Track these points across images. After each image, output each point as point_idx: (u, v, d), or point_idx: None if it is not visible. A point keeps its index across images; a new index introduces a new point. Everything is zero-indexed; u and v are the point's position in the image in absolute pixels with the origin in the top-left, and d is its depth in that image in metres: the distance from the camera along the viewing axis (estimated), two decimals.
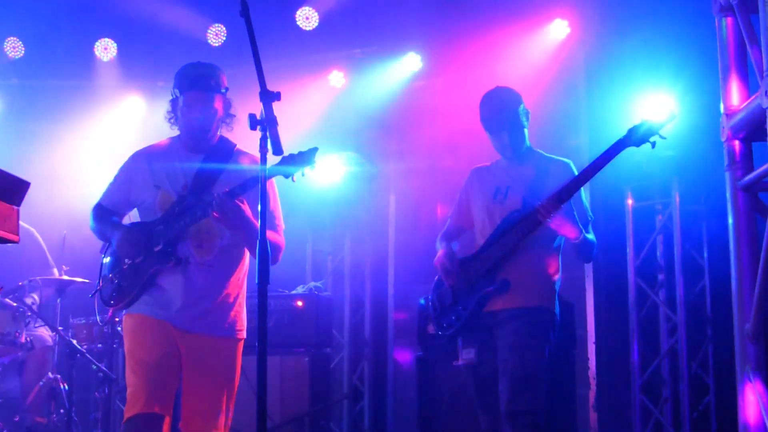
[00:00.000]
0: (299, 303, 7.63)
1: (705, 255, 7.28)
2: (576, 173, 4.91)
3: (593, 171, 4.65)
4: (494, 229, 4.96)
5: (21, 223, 3.26)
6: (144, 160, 4.83)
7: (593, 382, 7.34)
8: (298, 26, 8.67)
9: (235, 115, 4.85)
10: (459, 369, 5.14)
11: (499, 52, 7.97)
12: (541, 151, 5.17)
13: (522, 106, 5.06)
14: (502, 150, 5.09)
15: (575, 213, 4.77)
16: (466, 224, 5.31)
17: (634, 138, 4.61)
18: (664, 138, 4.59)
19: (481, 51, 7.88)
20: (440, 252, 5.11)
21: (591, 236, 4.87)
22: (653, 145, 4.59)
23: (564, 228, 4.71)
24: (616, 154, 4.63)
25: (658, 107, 6.65)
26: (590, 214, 4.96)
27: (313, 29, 8.69)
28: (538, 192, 4.84)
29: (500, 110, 5.04)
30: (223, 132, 4.86)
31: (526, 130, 5.08)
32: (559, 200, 4.65)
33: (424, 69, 8.70)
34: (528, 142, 5.12)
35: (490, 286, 4.86)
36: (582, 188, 4.78)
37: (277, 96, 3.55)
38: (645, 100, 6.93)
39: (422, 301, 7.02)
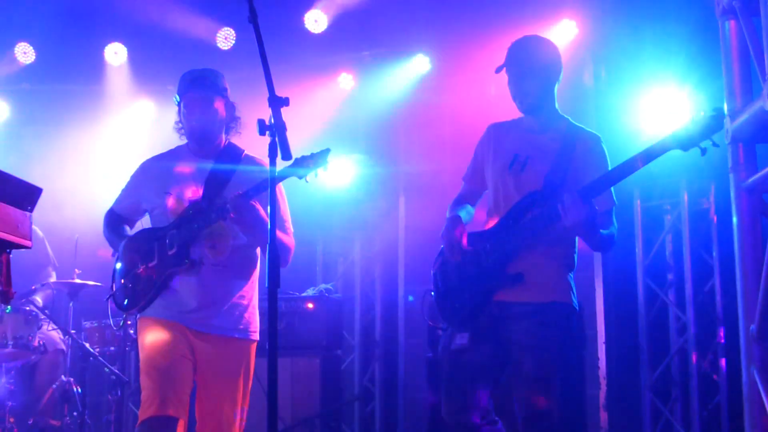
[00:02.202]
0: (310, 305, 7.66)
1: (714, 254, 7.26)
2: (605, 150, 4.55)
3: (631, 169, 4.16)
4: (509, 208, 4.52)
5: None
6: (153, 167, 4.90)
7: (603, 382, 7.35)
8: (306, 29, 8.71)
9: (240, 118, 4.90)
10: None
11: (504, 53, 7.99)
12: (568, 118, 4.70)
13: (555, 60, 4.65)
14: (516, 95, 4.61)
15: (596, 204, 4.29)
16: (481, 187, 4.86)
17: (682, 140, 4.04)
18: (717, 145, 3.99)
19: (489, 52, 7.88)
20: (448, 222, 4.63)
21: (609, 230, 4.47)
22: (703, 151, 3.98)
23: (579, 230, 4.29)
24: (661, 154, 4.12)
25: (670, 107, 6.69)
26: (615, 199, 4.53)
27: (322, 32, 8.73)
28: (563, 169, 4.45)
29: (526, 53, 4.62)
30: (232, 137, 4.92)
31: (552, 87, 4.63)
32: (586, 198, 4.19)
33: (432, 70, 8.73)
34: (555, 103, 4.65)
35: (502, 276, 4.47)
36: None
37: (285, 101, 3.56)
38: (653, 101, 6.95)
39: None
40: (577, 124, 4.69)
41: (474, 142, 4.95)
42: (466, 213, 4.81)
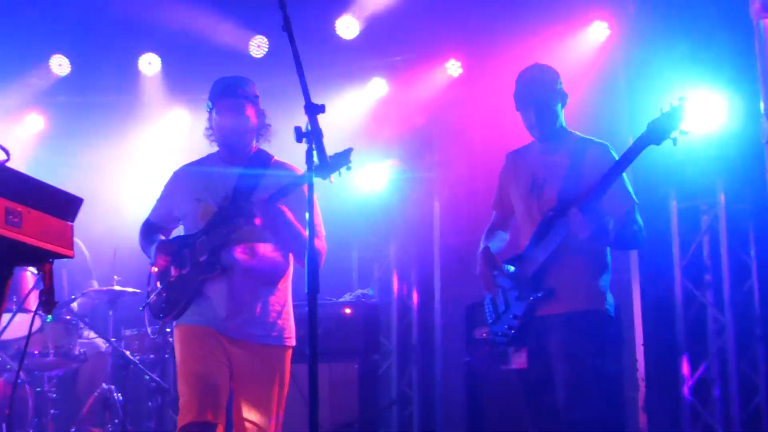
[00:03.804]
0: (347, 310, 7.68)
1: (752, 254, 7.20)
2: (615, 157, 4.70)
3: (614, 175, 4.48)
4: (534, 229, 4.78)
5: None
6: (184, 175, 4.96)
7: (642, 384, 7.31)
8: (338, 36, 8.74)
9: (270, 125, 4.94)
10: (507, 373, 5.09)
11: (540, 56, 7.92)
12: (576, 133, 4.94)
13: (557, 85, 4.89)
14: (531, 128, 4.89)
15: (606, 208, 4.58)
16: (509, 213, 5.14)
17: (653, 135, 4.35)
18: (685, 133, 4.33)
19: (522, 55, 7.86)
20: (481, 261, 4.98)
21: (633, 229, 4.67)
22: (674, 141, 4.32)
23: (593, 239, 4.51)
24: (640, 151, 4.40)
25: (700, 108, 6.66)
26: (634, 197, 4.72)
27: (354, 38, 8.75)
28: (574, 184, 4.66)
29: (530, 87, 4.88)
30: (262, 144, 4.95)
31: (559, 110, 4.86)
32: (588, 210, 4.45)
33: (464, 75, 8.73)
34: (562, 123, 4.91)
35: (537, 293, 4.70)
36: (624, 173, 4.58)
37: (321, 108, 3.58)
38: (687, 102, 6.91)
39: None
40: (584, 136, 4.92)
41: (507, 145, 5.18)
42: (498, 241, 5.12)
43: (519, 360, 4.86)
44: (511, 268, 4.86)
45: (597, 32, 7.98)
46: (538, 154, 4.96)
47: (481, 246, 5.06)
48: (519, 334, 4.79)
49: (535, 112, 4.84)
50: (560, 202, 4.67)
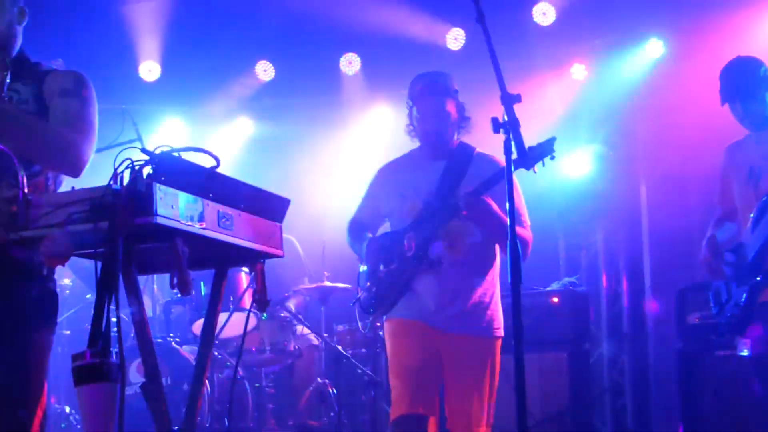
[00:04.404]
0: (555, 299, 7.60)
1: None
2: None
3: None
4: (753, 215, 4.78)
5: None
6: (388, 173, 5.03)
7: None
8: (535, 23, 8.66)
9: (470, 118, 4.94)
10: (723, 359, 5.07)
11: (746, 30, 7.68)
12: None
13: (761, 72, 4.87)
14: (740, 120, 4.96)
15: None
16: (731, 206, 5.15)
17: None
18: None
19: (726, 31, 7.61)
20: (705, 249, 5.05)
21: None
22: None
23: None
24: None
25: None
26: None
27: (551, 24, 8.65)
28: None
29: (733, 79, 4.92)
30: (463, 136, 4.96)
31: (767, 98, 4.87)
32: None
33: (667, 54, 8.49)
34: None
35: (757, 277, 4.70)
36: None
37: (517, 98, 3.56)
38: None
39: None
40: None
41: (717, 124, 5.32)
42: (724, 230, 5.18)
43: (745, 347, 4.86)
44: (733, 257, 4.89)
45: None
46: (753, 145, 4.96)
47: (708, 234, 5.12)
48: (741, 322, 4.79)
49: (741, 103, 4.88)
50: None
